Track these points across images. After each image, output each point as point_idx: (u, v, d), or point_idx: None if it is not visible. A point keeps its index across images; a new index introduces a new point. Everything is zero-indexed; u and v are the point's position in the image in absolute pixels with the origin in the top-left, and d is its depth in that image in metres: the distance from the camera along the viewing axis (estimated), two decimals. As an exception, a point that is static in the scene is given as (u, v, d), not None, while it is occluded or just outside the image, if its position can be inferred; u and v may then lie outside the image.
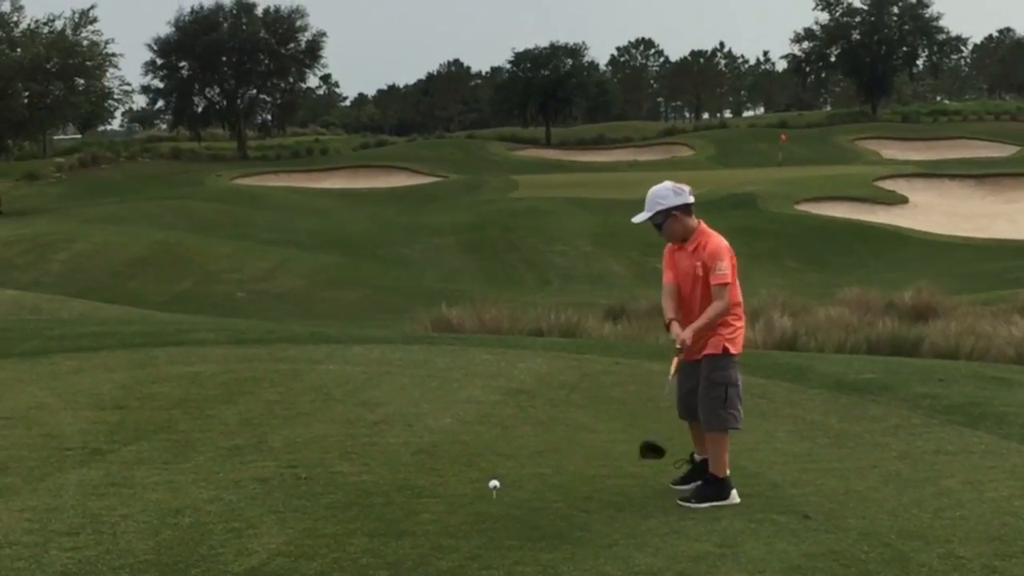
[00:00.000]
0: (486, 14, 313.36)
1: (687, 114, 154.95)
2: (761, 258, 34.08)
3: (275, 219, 45.93)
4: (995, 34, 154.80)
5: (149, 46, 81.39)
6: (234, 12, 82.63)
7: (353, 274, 34.45)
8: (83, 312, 21.03)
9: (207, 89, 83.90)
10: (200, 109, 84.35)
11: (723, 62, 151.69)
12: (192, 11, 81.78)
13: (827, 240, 40.20)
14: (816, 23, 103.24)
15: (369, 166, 71.79)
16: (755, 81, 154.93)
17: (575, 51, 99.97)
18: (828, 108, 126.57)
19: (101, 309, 22.43)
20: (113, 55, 60.34)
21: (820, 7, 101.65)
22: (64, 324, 14.01)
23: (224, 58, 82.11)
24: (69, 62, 57.19)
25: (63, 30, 58.20)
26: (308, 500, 5.90)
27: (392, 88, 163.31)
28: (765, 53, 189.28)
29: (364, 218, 48.13)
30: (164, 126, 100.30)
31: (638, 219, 6.15)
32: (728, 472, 6.04)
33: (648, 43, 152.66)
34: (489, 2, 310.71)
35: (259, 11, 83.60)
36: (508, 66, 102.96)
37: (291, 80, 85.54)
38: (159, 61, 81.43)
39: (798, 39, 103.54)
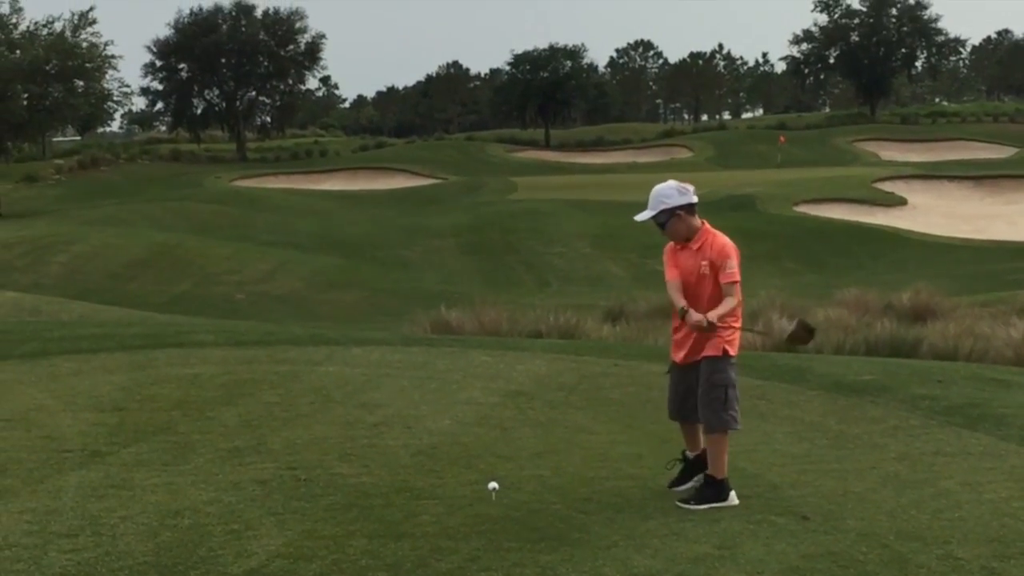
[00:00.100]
0: (485, 16, 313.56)
1: (686, 116, 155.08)
2: (760, 259, 34.10)
3: (274, 221, 45.94)
4: (994, 36, 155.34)
5: (148, 48, 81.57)
6: (233, 14, 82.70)
7: (352, 276, 34.46)
8: (82, 314, 21.04)
9: (206, 91, 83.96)
10: (199, 111, 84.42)
11: (722, 64, 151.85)
12: (191, 13, 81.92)
13: (826, 241, 40.23)
14: (815, 25, 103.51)
15: (368, 168, 71.83)
16: (754, 83, 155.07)
17: (574, 53, 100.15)
18: (827, 110, 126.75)
19: (100, 311, 22.44)
20: (112, 57, 60.45)
21: (819, 9, 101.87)
22: (63, 326, 14.01)
23: (223, 60, 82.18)
24: (68, 64, 57.20)
25: (62, 32, 58.23)
26: (307, 502, 5.90)
27: (391, 90, 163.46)
28: (764, 55, 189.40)
29: (363, 220, 48.14)
30: (163, 128, 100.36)
31: (641, 217, 6.15)
32: (727, 473, 6.05)
33: (647, 45, 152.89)
34: (488, 4, 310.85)
35: (258, 13, 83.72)
36: (507, 68, 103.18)
37: (290, 82, 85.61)
38: (158, 63, 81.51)
39: (797, 41, 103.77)
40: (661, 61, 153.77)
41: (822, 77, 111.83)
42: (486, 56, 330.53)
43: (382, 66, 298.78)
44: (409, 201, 56.94)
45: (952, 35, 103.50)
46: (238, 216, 46.61)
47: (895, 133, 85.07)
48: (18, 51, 57.05)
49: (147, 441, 7.17)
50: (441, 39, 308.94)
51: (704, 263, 6.01)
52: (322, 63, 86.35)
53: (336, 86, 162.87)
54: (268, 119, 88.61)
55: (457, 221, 45.10)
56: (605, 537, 5.39)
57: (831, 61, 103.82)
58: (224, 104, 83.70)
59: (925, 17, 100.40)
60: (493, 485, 5.94)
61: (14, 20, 58.19)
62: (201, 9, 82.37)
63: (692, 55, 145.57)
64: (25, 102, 57.08)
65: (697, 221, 6.11)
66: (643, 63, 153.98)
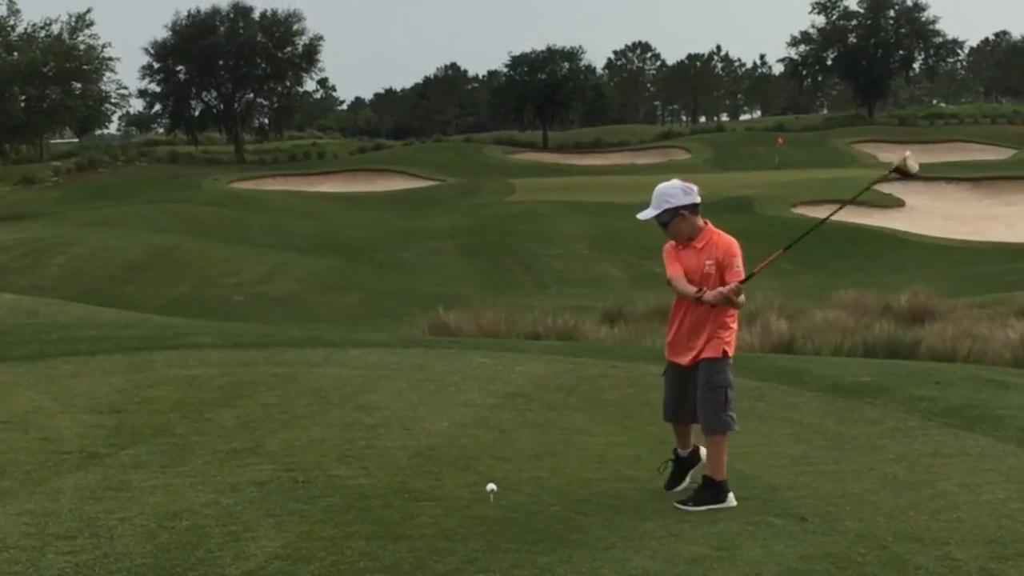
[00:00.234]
0: (483, 18, 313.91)
1: (684, 117, 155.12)
2: (758, 261, 34.00)
3: (272, 223, 45.92)
4: (991, 37, 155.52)
5: (146, 50, 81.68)
6: (231, 16, 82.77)
7: (350, 278, 34.45)
8: (80, 316, 21.01)
9: (204, 93, 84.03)
10: (197, 113, 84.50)
11: (720, 65, 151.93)
12: (189, 15, 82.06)
13: (823, 243, 40.13)
14: (813, 27, 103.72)
15: (366, 170, 71.82)
16: (752, 84, 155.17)
17: (572, 55, 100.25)
18: (825, 111, 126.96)
19: (98, 313, 22.41)
20: (110, 59, 60.52)
21: (817, 11, 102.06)
22: (61, 328, 13.99)
23: (221, 62, 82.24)
24: (66, 66, 57.22)
25: (60, 34, 58.28)
26: (305, 504, 5.90)
27: (389, 92, 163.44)
28: (762, 56, 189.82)
29: (361, 222, 48.13)
30: (161, 130, 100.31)
31: (644, 216, 6.14)
32: (726, 475, 6.05)
33: (645, 47, 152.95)
34: (486, 6, 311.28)
35: (256, 15, 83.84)
36: (505, 70, 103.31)
37: (288, 84, 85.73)
38: (156, 65, 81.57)
39: (795, 42, 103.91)
40: (659, 63, 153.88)
41: (820, 79, 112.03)
42: (484, 58, 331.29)
43: (380, 68, 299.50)
44: (407, 203, 56.94)
45: (950, 37, 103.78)
46: (236, 218, 46.60)
47: (893, 135, 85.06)
48: (16, 53, 57.09)
49: (145, 443, 7.17)
50: (439, 41, 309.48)
51: (709, 262, 6.01)
52: (320, 65, 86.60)
53: (334, 88, 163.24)
54: (266, 121, 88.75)
55: (455, 223, 45.10)
56: (603, 538, 5.39)
57: (829, 63, 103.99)
58: (222, 106, 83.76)
59: (923, 19, 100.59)
60: (491, 487, 5.94)
61: (12, 22, 58.32)
62: (199, 11, 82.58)
63: (690, 57, 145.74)
64: (23, 104, 57.10)
65: (700, 221, 6.11)
66: (641, 65, 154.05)
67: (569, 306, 21.39)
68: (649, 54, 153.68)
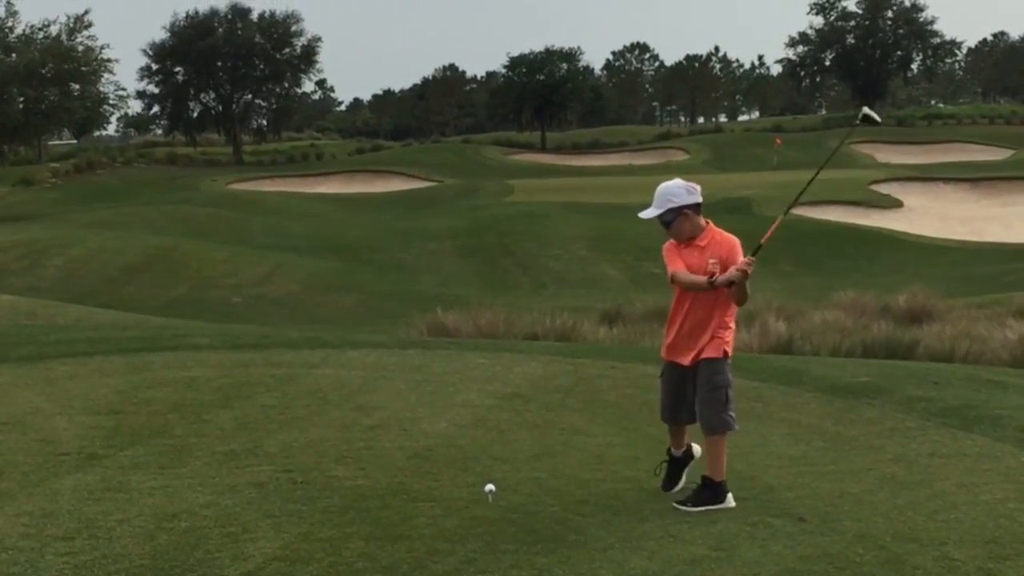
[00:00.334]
0: (481, 19, 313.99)
1: (682, 118, 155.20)
2: (756, 262, 34.02)
3: (271, 224, 45.92)
4: (989, 38, 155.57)
5: (144, 51, 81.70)
6: (229, 17, 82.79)
7: (349, 279, 34.45)
8: (78, 317, 20.99)
9: (202, 94, 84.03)
10: (195, 114, 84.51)
11: (718, 66, 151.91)
12: (187, 16, 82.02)
13: (822, 244, 40.27)
14: (811, 27, 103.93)
15: (364, 171, 71.82)
16: (750, 85, 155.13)
17: (570, 56, 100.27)
18: (823, 112, 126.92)
19: (96, 314, 22.39)
20: (108, 60, 60.56)
21: (815, 11, 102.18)
22: (59, 329, 13.99)
23: (219, 63, 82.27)
24: (64, 67, 57.24)
25: (58, 35, 58.31)
26: (304, 504, 5.90)
27: (387, 93, 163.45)
28: (760, 57, 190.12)
29: (360, 223, 48.14)
30: (160, 131, 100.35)
31: (646, 215, 6.14)
32: (725, 476, 6.05)
33: (643, 47, 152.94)
34: (484, 7, 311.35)
35: (254, 16, 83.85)
36: (503, 71, 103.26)
37: (286, 85, 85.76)
38: (154, 66, 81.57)
39: (793, 43, 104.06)
40: (657, 64, 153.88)
41: (818, 79, 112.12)
42: (482, 59, 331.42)
43: (378, 69, 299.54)
44: (405, 204, 56.95)
45: (948, 37, 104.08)
46: (234, 219, 46.59)
47: (891, 135, 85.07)
48: (14, 54, 57.11)
49: (143, 444, 7.17)
50: (437, 42, 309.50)
51: (713, 260, 6.00)
52: (318, 66, 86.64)
53: (332, 89, 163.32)
54: (264, 122, 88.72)
55: (453, 224, 45.10)
56: (601, 539, 5.39)
57: (827, 64, 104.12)
58: (220, 107, 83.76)
59: (921, 19, 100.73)
60: (490, 487, 5.94)
61: (10, 23, 58.32)
62: (197, 12, 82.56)
63: (688, 58, 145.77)
64: (21, 105, 57.12)
65: (702, 221, 6.12)
66: (639, 66, 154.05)
67: (567, 307, 21.41)
68: (647, 55, 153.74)
